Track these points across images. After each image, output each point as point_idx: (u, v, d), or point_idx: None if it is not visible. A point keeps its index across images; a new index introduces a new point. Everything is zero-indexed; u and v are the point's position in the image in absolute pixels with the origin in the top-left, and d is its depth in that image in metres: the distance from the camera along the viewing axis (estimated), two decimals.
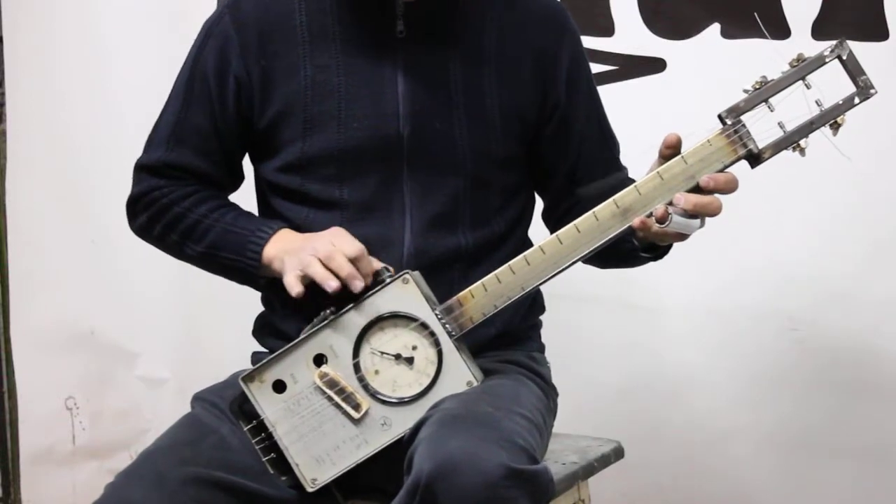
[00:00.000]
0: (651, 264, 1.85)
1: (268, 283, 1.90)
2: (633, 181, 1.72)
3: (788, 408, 2.49)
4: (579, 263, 1.74)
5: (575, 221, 1.71)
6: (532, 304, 1.94)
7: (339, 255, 1.72)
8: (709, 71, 2.41)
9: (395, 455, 1.67)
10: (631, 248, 1.78)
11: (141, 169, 1.90)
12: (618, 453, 2.04)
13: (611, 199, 1.70)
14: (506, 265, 1.73)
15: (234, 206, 1.88)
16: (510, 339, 1.91)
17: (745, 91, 1.68)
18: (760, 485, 2.53)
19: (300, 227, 1.84)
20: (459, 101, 1.83)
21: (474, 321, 1.74)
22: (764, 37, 2.07)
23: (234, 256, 1.82)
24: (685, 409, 2.57)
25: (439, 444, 1.57)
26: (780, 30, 2.37)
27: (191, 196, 1.86)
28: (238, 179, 1.95)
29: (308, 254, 1.73)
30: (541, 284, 1.74)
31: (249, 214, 1.88)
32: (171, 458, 1.71)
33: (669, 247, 1.80)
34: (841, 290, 2.43)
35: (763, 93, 1.67)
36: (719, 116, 1.67)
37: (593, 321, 2.56)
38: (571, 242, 1.71)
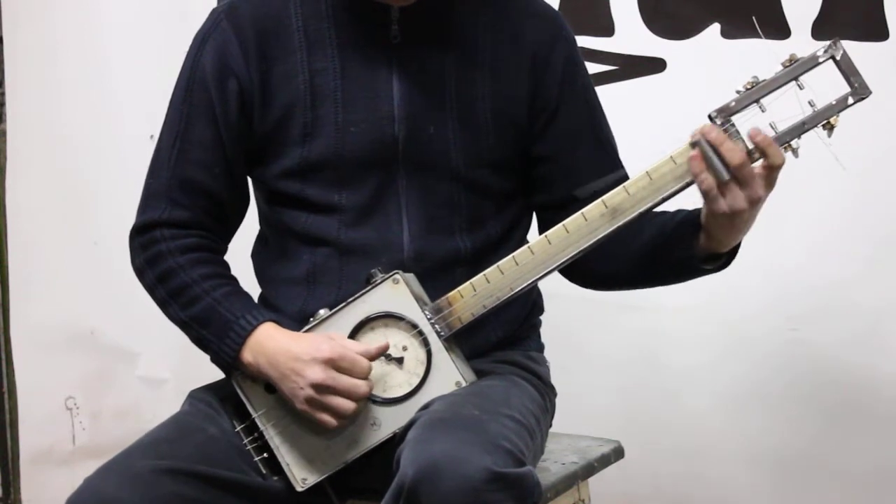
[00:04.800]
0: None
1: (263, 282, 1.92)
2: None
3: (789, 407, 2.48)
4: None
5: (563, 222, 1.71)
6: (532, 306, 1.94)
7: (333, 399, 1.70)
8: (709, 71, 2.41)
9: (390, 455, 1.67)
10: (689, 256, 1.77)
11: (148, 196, 1.86)
12: (618, 453, 2.04)
13: (599, 200, 1.70)
14: (494, 265, 1.73)
15: (229, 279, 1.84)
16: (508, 340, 1.91)
17: (737, 91, 1.67)
18: (760, 484, 2.53)
19: (299, 233, 1.85)
20: (453, 105, 1.83)
21: (463, 321, 1.74)
22: (761, 37, 2.08)
23: (213, 339, 1.78)
24: (685, 409, 2.57)
25: (423, 448, 1.58)
26: (780, 30, 2.37)
27: (190, 252, 1.82)
28: (244, 201, 1.92)
29: (303, 397, 1.72)
30: (530, 285, 1.74)
31: (240, 293, 1.82)
32: (148, 453, 1.71)
33: (731, 256, 1.78)
34: (841, 290, 2.42)
35: (754, 93, 1.66)
36: (709, 116, 1.67)
37: (593, 321, 2.56)
38: (560, 243, 1.71)
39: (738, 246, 1.77)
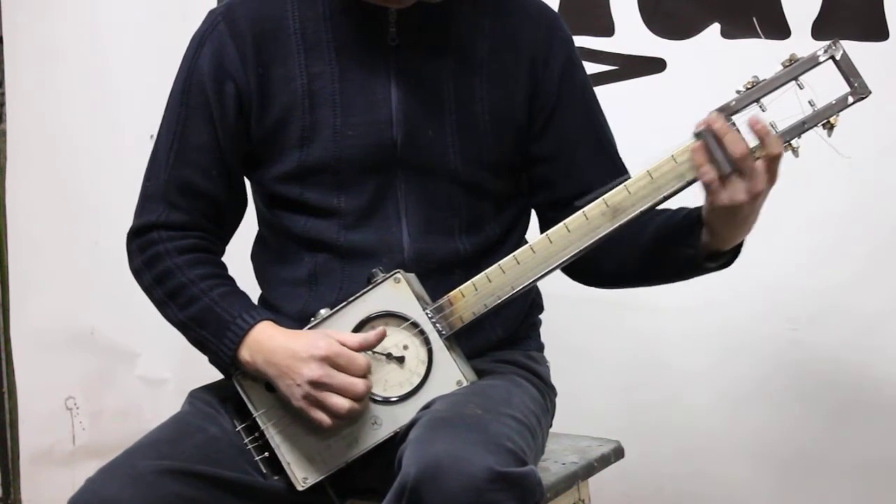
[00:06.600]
0: None
1: (263, 284, 1.92)
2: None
3: (789, 407, 2.48)
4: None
5: (565, 221, 1.71)
6: (531, 304, 1.95)
7: (330, 396, 1.70)
8: (709, 71, 2.41)
9: (391, 455, 1.66)
10: (692, 254, 1.76)
11: (146, 198, 1.86)
12: (618, 453, 2.04)
13: (601, 199, 1.70)
14: (496, 264, 1.73)
15: (226, 279, 1.84)
16: (509, 339, 1.91)
17: (738, 91, 1.68)
18: (761, 484, 2.53)
19: (299, 236, 1.85)
20: (451, 108, 1.83)
21: (464, 320, 1.74)
22: (761, 37, 2.08)
23: (211, 338, 1.78)
24: (685, 409, 2.57)
25: (425, 447, 1.58)
26: (780, 30, 2.37)
27: (187, 252, 1.82)
28: (242, 204, 1.92)
29: (300, 395, 1.71)
30: (531, 284, 1.74)
31: (237, 293, 1.82)
32: (149, 453, 1.71)
33: (734, 254, 1.78)
34: (841, 291, 2.42)
35: (755, 92, 1.67)
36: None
37: (593, 321, 2.56)
38: (561, 241, 1.72)
39: (741, 245, 1.77)
